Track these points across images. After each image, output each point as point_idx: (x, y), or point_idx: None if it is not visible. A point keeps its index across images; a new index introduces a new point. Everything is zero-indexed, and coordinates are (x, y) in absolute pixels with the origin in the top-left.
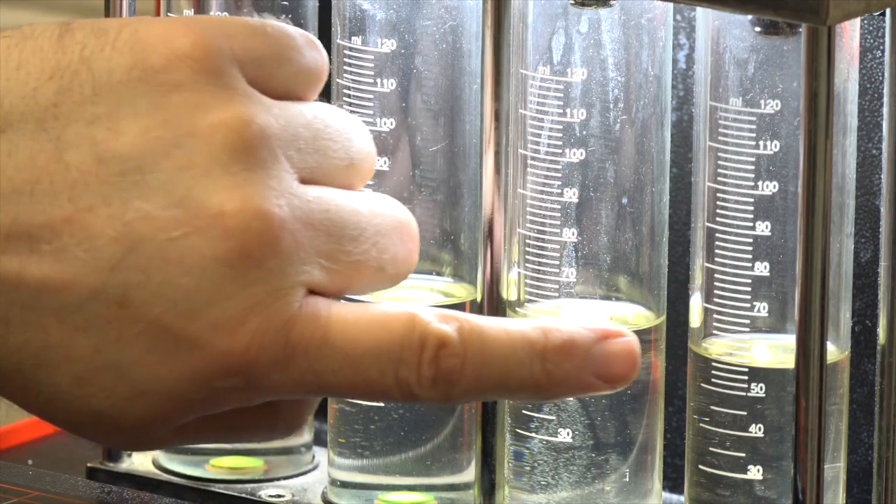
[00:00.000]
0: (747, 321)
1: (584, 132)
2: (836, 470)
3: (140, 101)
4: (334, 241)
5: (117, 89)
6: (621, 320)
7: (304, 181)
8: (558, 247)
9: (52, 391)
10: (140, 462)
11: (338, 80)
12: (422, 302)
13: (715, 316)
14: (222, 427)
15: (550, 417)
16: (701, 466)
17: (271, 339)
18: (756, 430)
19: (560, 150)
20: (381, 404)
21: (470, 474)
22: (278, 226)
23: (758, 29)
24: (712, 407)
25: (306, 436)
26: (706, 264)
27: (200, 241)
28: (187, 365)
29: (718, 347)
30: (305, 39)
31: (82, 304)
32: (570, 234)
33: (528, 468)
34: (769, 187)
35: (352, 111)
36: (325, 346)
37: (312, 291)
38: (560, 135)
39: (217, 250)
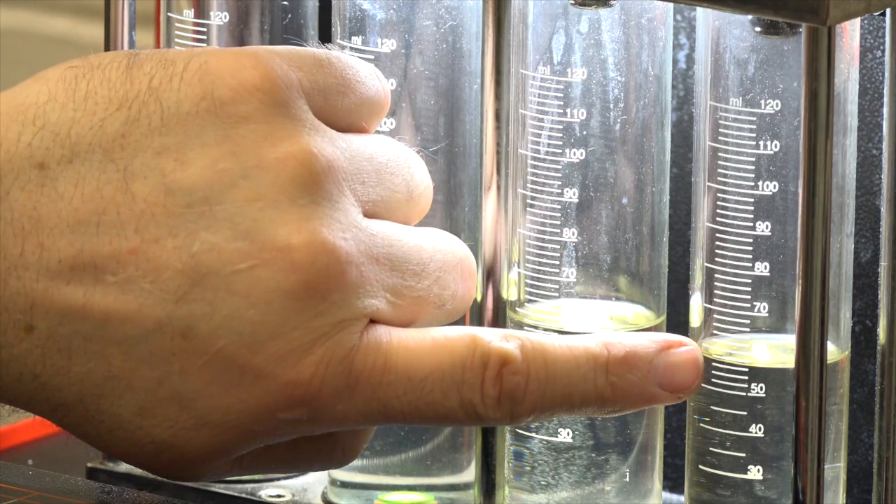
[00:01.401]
0: (747, 321)
1: (584, 132)
2: (836, 470)
3: (208, 132)
4: (398, 275)
5: (185, 120)
6: (621, 320)
7: (368, 215)
8: (558, 247)
9: (113, 421)
10: None
11: None
12: None
13: (715, 316)
14: (281, 457)
15: None
16: (701, 466)
17: (335, 370)
18: (756, 430)
19: (560, 150)
20: None
21: (470, 474)
22: (344, 259)
23: (758, 29)
24: (712, 407)
25: None
26: (706, 264)
27: (267, 273)
28: (251, 396)
29: (718, 347)
30: (368, 71)
31: (147, 335)
32: (570, 234)
33: (528, 468)
34: (769, 187)
35: None
36: (387, 372)
37: (375, 323)
38: (560, 135)
39: (283, 283)
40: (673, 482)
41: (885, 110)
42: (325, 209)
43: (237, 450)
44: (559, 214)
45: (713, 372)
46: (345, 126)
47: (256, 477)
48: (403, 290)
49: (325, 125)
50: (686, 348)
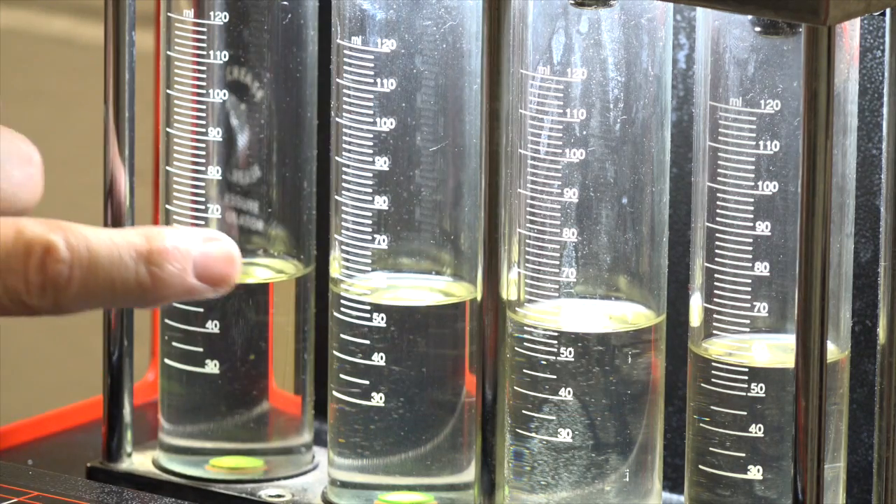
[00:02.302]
0: (747, 321)
1: (584, 132)
2: (836, 470)
3: None
4: None
5: None
6: (621, 320)
7: None
8: (558, 247)
9: None
10: (140, 462)
11: (338, 80)
12: (422, 301)
13: (715, 316)
14: None
15: (551, 417)
16: (701, 466)
17: None
18: (756, 430)
19: (560, 150)
20: (381, 404)
21: (470, 474)
22: None
23: (758, 29)
24: (712, 407)
25: (306, 435)
26: (706, 264)
27: None
28: None
29: (718, 347)
30: None
31: None
32: (570, 234)
33: (528, 468)
34: (769, 187)
35: (352, 111)
36: None
37: None
38: (560, 135)
39: None
40: (673, 482)
41: (885, 110)
42: None
43: None
44: (559, 214)
45: (713, 372)
46: None
47: (256, 477)
48: None
49: None
50: (221, 243)
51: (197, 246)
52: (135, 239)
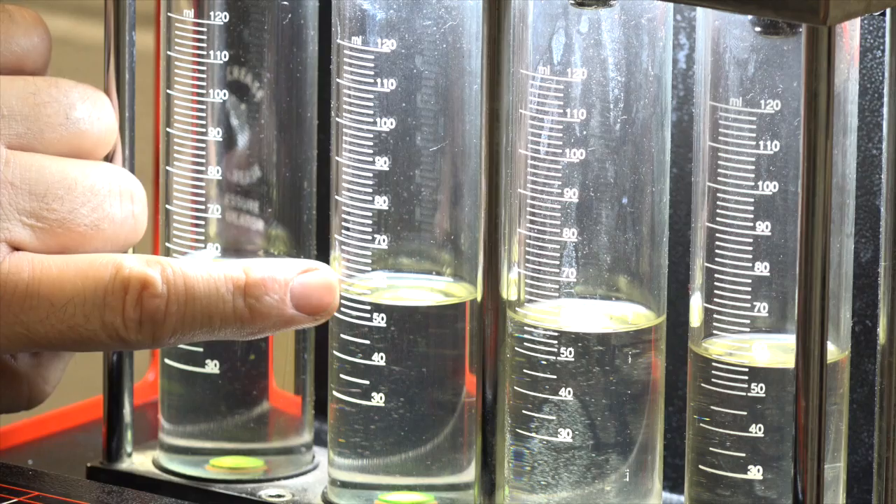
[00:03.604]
0: (747, 321)
1: (585, 132)
2: (836, 470)
3: None
4: (37, 199)
5: None
6: (621, 320)
7: (13, 147)
8: (558, 247)
9: None
10: (140, 462)
11: (338, 79)
12: (422, 301)
13: (715, 316)
14: None
15: (551, 417)
16: (701, 466)
17: None
18: (756, 430)
19: (560, 150)
20: (381, 404)
21: (470, 474)
22: None
23: (758, 29)
24: (712, 407)
25: (306, 435)
26: (706, 264)
27: None
28: None
29: (718, 347)
30: (29, 18)
31: None
32: (570, 234)
33: (528, 468)
34: (769, 187)
35: (352, 111)
36: (29, 297)
37: (18, 249)
38: (560, 135)
39: None
40: (673, 482)
41: (885, 110)
42: None
43: None
44: (559, 214)
45: (713, 372)
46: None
47: (256, 477)
48: (45, 212)
49: None
50: (320, 272)
51: (294, 276)
52: (232, 272)
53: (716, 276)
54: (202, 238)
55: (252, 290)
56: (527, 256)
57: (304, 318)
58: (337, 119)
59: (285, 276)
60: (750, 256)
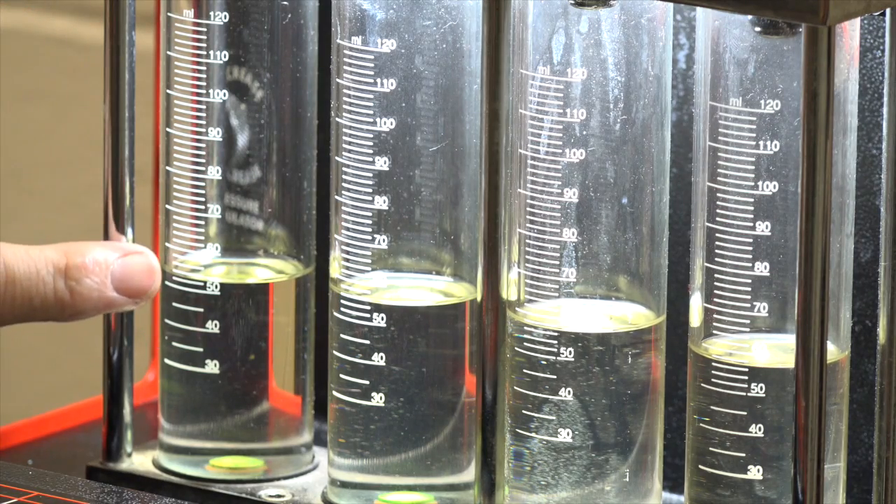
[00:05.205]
0: (747, 321)
1: (584, 132)
2: (836, 470)
3: None
4: None
5: None
6: (621, 320)
7: None
8: (558, 247)
9: None
10: (140, 462)
11: (338, 80)
12: (422, 301)
13: (715, 316)
14: None
15: (551, 417)
16: (701, 466)
17: None
18: (756, 430)
19: (560, 150)
20: (381, 404)
21: (470, 474)
22: None
23: (758, 29)
24: (712, 407)
25: (306, 435)
26: (706, 264)
27: None
28: None
29: (718, 347)
30: None
31: None
32: (570, 234)
33: (528, 468)
34: (769, 187)
35: (352, 111)
36: None
37: None
38: (560, 135)
39: None
40: (673, 482)
41: (885, 110)
42: None
43: None
44: (559, 214)
45: (713, 372)
46: None
47: (256, 477)
48: None
49: None
50: (142, 256)
51: (115, 259)
52: (52, 254)
53: (716, 276)
54: (202, 238)
55: (73, 273)
56: (527, 256)
57: (125, 300)
58: (337, 119)
59: (106, 259)
60: (750, 256)
